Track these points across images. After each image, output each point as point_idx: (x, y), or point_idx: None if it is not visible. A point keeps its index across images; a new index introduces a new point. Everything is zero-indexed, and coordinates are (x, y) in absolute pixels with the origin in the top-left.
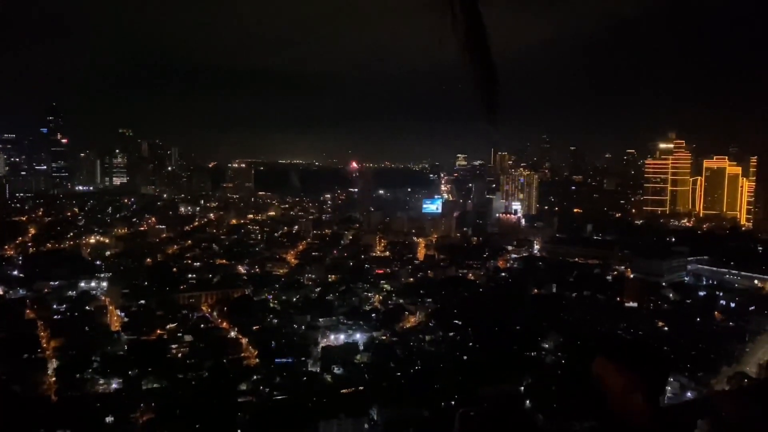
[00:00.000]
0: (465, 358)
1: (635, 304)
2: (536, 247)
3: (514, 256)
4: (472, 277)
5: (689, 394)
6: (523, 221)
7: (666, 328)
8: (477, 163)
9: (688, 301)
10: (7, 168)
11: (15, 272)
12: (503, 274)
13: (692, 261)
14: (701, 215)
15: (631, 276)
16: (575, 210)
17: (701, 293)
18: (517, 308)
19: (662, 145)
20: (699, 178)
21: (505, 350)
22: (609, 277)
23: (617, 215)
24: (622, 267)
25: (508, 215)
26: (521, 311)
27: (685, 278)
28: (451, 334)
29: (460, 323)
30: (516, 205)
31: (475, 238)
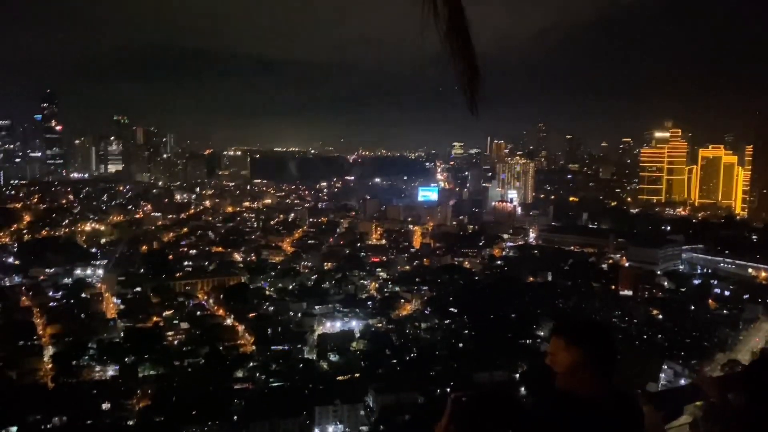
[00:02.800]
0: (460, 345)
1: (630, 293)
2: (532, 235)
3: (509, 244)
4: (468, 265)
5: (683, 381)
6: (518, 209)
7: (660, 316)
8: (473, 151)
9: (683, 290)
10: (1, 155)
11: (10, 259)
12: (499, 262)
13: (687, 249)
14: (696, 204)
15: (626, 264)
16: (571, 198)
17: (696, 281)
18: (512, 296)
19: (658, 134)
20: (694, 167)
21: (500, 338)
22: (604, 266)
23: (613, 204)
24: (617, 255)
25: (504, 203)
26: (516, 299)
27: (680, 267)
28: (446, 321)
29: (455, 311)
30: (512, 194)
31: (471, 227)
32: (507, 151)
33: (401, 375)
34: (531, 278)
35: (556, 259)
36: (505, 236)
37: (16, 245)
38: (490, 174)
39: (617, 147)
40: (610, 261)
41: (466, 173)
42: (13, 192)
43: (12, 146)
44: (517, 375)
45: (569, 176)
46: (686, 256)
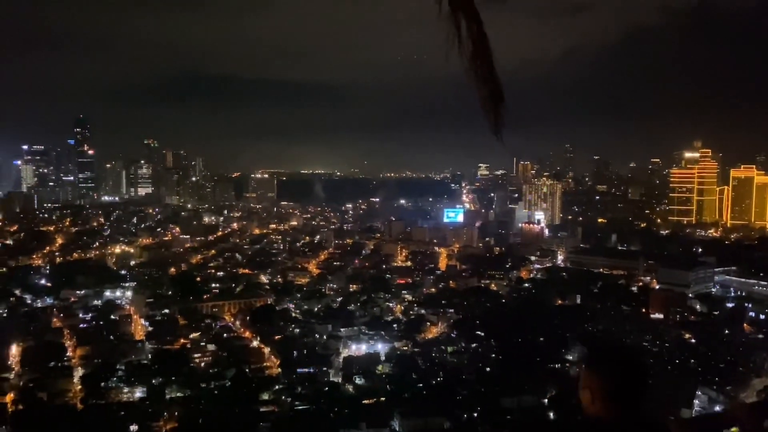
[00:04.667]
0: (487, 369)
1: (661, 316)
2: (560, 257)
3: (537, 266)
4: (495, 288)
5: (717, 407)
6: (546, 231)
7: (693, 340)
8: (499, 172)
9: (716, 313)
10: (36, 179)
11: (42, 281)
12: (526, 284)
13: (720, 272)
14: (729, 225)
15: (657, 287)
16: (599, 220)
17: (729, 305)
18: (540, 319)
19: (688, 154)
20: (726, 187)
21: (528, 362)
22: (634, 288)
23: (642, 225)
24: (648, 278)
25: (531, 225)
26: (544, 322)
27: (713, 289)
28: (473, 345)
29: (482, 334)
30: (539, 215)
31: (498, 248)
32: (534, 172)
33: (427, 399)
34: (559, 301)
35: (585, 281)
36: (533, 258)
37: (48, 267)
38: (517, 195)
39: (646, 167)
40: (640, 283)
41: (492, 194)
42: (46, 215)
43: (46, 170)
44: (546, 400)
45: (597, 197)
46: (719, 278)
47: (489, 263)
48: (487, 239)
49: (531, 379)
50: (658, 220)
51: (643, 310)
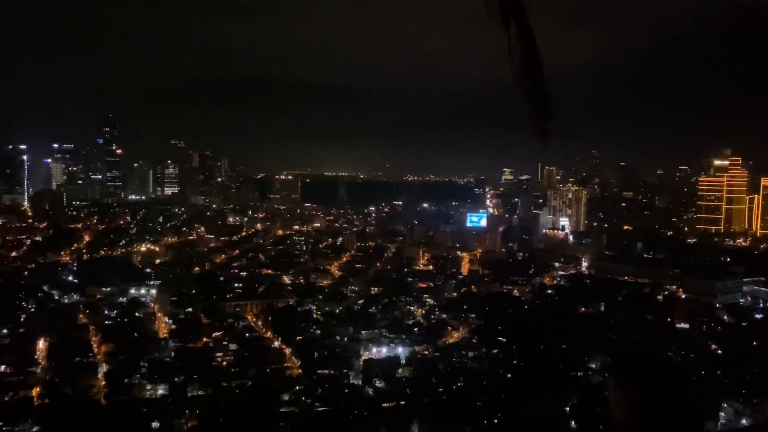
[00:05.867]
0: (508, 376)
1: (687, 326)
2: (584, 264)
3: (560, 273)
4: (517, 294)
5: (744, 421)
6: (570, 238)
7: (719, 351)
8: (524, 177)
9: (744, 324)
10: (65, 177)
11: (70, 278)
12: (549, 291)
13: (748, 282)
14: (758, 234)
15: (683, 296)
16: (625, 227)
17: (758, 315)
18: (563, 326)
19: (717, 162)
20: (756, 196)
21: (550, 369)
22: (659, 297)
23: (669, 233)
24: (674, 287)
25: (556, 231)
26: (567, 330)
27: (741, 300)
28: (494, 350)
29: (504, 340)
30: (563, 221)
31: (521, 254)
32: (559, 177)
33: (447, 404)
34: (583, 309)
35: (609, 289)
36: (556, 265)
37: (75, 264)
38: (541, 201)
39: (674, 175)
40: (666, 292)
41: (516, 200)
42: (74, 213)
43: (75, 169)
44: (567, 408)
45: (623, 204)
46: (747, 288)
47: (512, 269)
48: (510, 245)
49: (553, 387)
50: (686, 229)
51: (669, 319)
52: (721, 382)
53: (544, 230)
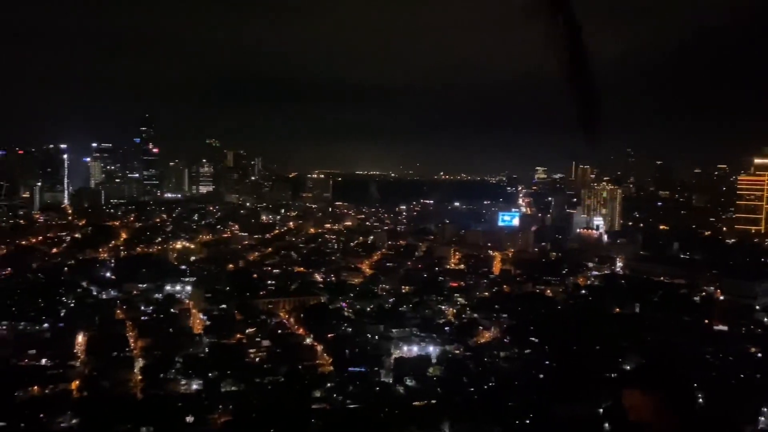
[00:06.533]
0: (541, 376)
1: (725, 328)
2: (619, 264)
3: (594, 273)
4: (550, 294)
5: None
6: (605, 237)
7: (759, 354)
8: (557, 176)
9: None
10: (104, 175)
11: (107, 274)
12: (583, 291)
13: None
14: None
15: (721, 297)
16: (661, 227)
17: None
18: (596, 327)
19: (758, 160)
20: None
21: (583, 370)
22: (696, 298)
23: (706, 233)
24: (711, 288)
25: (590, 231)
26: (601, 330)
27: None
28: (526, 351)
29: (536, 340)
30: (598, 221)
31: (554, 254)
32: (593, 176)
33: (478, 404)
34: (617, 309)
35: (645, 289)
36: (590, 265)
37: (113, 261)
38: (575, 200)
39: (712, 173)
40: (703, 294)
41: (549, 198)
42: (112, 210)
43: (113, 167)
44: (601, 410)
45: (659, 203)
46: None
47: (544, 269)
48: (543, 244)
49: (586, 388)
50: (724, 229)
51: (706, 321)
52: (761, 385)
53: (577, 230)
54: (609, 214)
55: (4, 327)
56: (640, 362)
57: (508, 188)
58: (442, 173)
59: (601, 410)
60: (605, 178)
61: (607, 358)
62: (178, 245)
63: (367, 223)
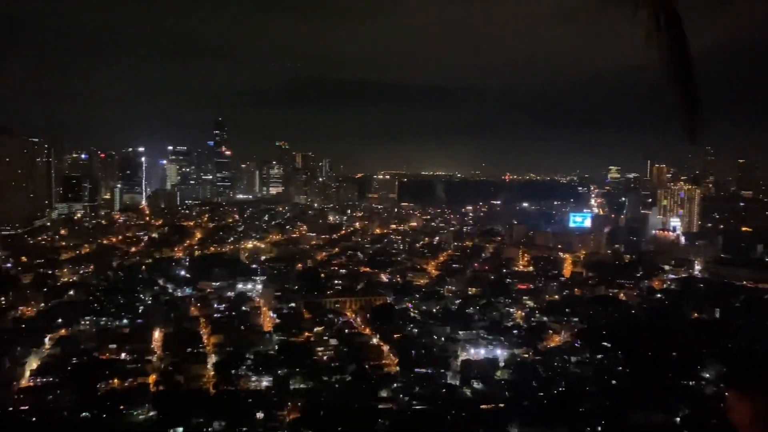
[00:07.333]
0: (614, 382)
1: None
2: (697, 267)
3: (671, 276)
4: (624, 298)
5: None
6: (682, 239)
7: None
8: (631, 175)
9: None
10: (179, 177)
11: (182, 272)
12: (659, 295)
13: None
14: None
15: None
16: (743, 228)
17: None
18: (673, 333)
19: None
20: None
21: (658, 377)
22: None
23: None
24: None
25: (666, 232)
26: (678, 336)
27: None
28: (598, 356)
29: (609, 345)
30: (675, 222)
31: (628, 256)
32: (669, 175)
33: (548, 409)
34: (696, 314)
35: (725, 294)
36: (667, 267)
37: (187, 259)
38: (650, 200)
39: None
40: None
41: (623, 199)
42: (187, 211)
43: (188, 169)
44: (678, 419)
45: (741, 204)
46: None
47: (618, 271)
48: (616, 246)
49: (662, 395)
50: None
51: None
52: None
53: (653, 231)
54: (686, 215)
55: (87, 322)
56: (720, 371)
57: (580, 188)
58: (508, 173)
59: (679, 419)
60: (682, 178)
61: (684, 365)
62: (249, 245)
63: (433, 223)
